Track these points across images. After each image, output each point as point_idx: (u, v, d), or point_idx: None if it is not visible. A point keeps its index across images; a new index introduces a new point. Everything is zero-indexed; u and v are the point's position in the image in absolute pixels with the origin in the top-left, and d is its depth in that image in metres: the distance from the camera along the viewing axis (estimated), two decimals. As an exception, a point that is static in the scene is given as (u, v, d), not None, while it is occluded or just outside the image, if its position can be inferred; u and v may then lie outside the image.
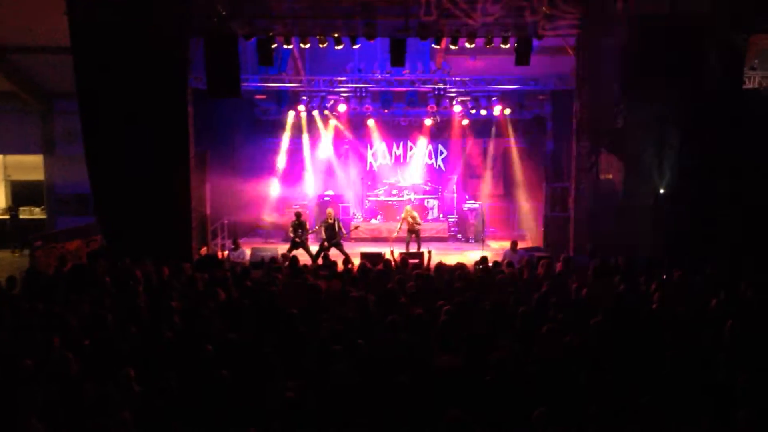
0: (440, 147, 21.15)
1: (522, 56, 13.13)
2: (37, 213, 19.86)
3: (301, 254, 13.31)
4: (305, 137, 20.18)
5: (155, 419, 5.27)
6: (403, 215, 15.95)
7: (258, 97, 18.96)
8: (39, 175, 19.25)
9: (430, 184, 20.56)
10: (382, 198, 19.86)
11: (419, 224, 15.73)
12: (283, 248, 14.45)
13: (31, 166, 19.67)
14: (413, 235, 15.25)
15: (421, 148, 20.87)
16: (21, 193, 20.50)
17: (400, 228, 15.66)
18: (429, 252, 13.10)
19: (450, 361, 6.17)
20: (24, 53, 16.57)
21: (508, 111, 18.57)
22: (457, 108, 18.30)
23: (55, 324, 7.14)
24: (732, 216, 11.82)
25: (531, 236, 18.29)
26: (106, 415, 5.08)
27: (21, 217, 19.62)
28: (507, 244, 14.02)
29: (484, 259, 11.16)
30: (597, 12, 12.51)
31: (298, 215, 14.52)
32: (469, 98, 18.33)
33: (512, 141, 20.58)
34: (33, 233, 14.17)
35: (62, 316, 7.42)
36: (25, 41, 15.70)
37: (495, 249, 16.97)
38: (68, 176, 17.69)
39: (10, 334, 7.15)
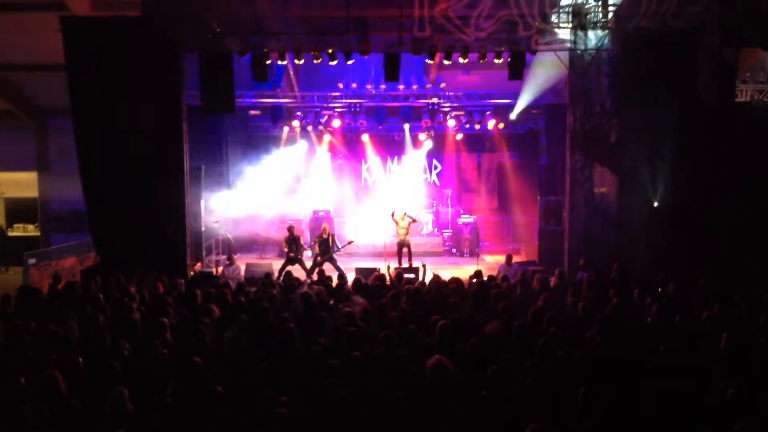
0: (434, 161, 21.20)
1: (515, 71, 13.21)
2: (31, 230, 19.80)
3: (296, 270, 13.28)
4: (300, 153, 20.20)
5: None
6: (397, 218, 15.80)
7: (252, 112, 19.02)
8: (33, 193, 19.22)
9: (424, 198, 20.57)
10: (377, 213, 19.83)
11: (414, 220, 15.60)
12: (278, 263, 14.42)
13: (25, 183, 19.64)
14: (405, 249, 15.19)
15: (415, 163, 20.90)
16: (15, 211, 20.44)
17: (398, 232, 15.50)
18: (424, 266, 13.10)
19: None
20: (18, 71, 16.61)
21: (502, 125, 18.65)
22: (451, 123, 18.37)
23: (49, 342, 7.10)
24: (726, 229, 11.85)
25: (526, 250, 18.30)
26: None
27: (10, 234, 19.57)
28: (502, 258, 14.04)
29: (478, 273, 11.15)
30: (589, 27, 12.59)
31: (290, 230, 14.50)
32: (462, 113, 18.41)
33: (506, 155, 20.69)
34: (27, 251, 14.10)
35: (56, 333, 7.37)
36: (18, 59, 15.73)
37: (490, 263, 16.99)
38: (62, 193, 17.64)
39: (3, 351, 7.11)
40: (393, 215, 15.52)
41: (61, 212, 18.51)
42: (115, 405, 5.49)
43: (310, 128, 19.09)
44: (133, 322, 7.97)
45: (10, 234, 19.78)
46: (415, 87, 17.82)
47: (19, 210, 20.36)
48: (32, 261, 13.13)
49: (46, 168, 18.93)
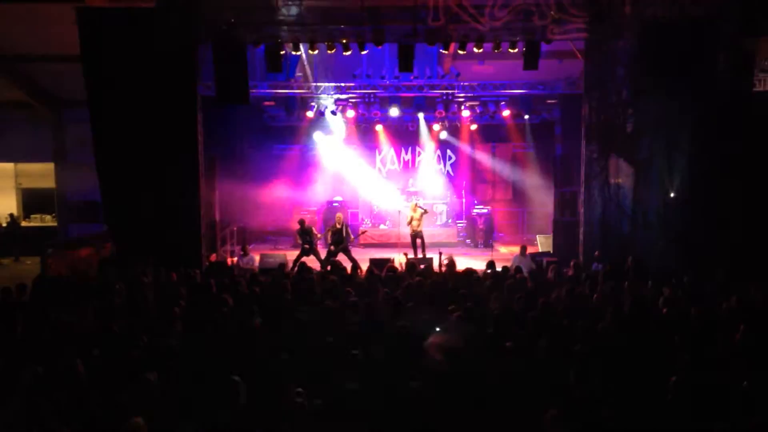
0: (449, 152, 21.15)
1: (530, 60, 13.11)
2: (48, 220, 19.98)
3: (311, 261, 13.31)
4: (314, 143, 20.24)
5: (166, 426, 5.26)
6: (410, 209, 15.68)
7: (266, 103, 19.02)
8: (50, 183, 19.36)
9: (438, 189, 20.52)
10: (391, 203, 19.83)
11: (425, 211, 15.48)
12: (292, 254, 14.47)
13: (42, 174, 19.79)
14: (418, 240, 15.15)
15: (429, 153, 20.87)
16: (32, 201, 20.63)
17: (410, 221, 15.38)
18: (440, 254, 13.00)
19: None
20: (35, 62, 16.69)
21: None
22: (466, 113, 18.28)
23: (66, 331, 7.17)
24: (743, 220, 11.73)
25: (540, 241, 18.23)
26: (118, 421, 5.08)
27: (27, 224, 19.74)
28: (516, 249, 13.99)
29: (491, 264, 11.13)
30: (605, 15, 12.48)
31: (301, 223, 14.50)
32: (477, 103, 18.31)
33: (521, 146, 20.61)
34: (44, 241, 14.23)
35: (72, 323, 7.45)
36: (36, 50, 15.81)
37: (504, 254, 16.94)
38: (79, 184, 17.77)
39: (21, 341, 7.19)
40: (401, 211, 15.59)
41: (78, 203, 18.63)
42: (142, 391, 5.52)
43: (324, 118, 19.09)
44: (149, 312, 8.04)
45: (28, 224, 19.96)
46: (429, 77, 17.73)
47: (36, 200, 20.54)
48: (50, 251, 13.24)
49: (63, 159, 19.06)
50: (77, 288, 9.65)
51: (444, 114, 18.24)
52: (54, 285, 9.93)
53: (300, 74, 17.60)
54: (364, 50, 13.22)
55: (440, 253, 13.03)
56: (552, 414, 4.91)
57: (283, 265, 12.10)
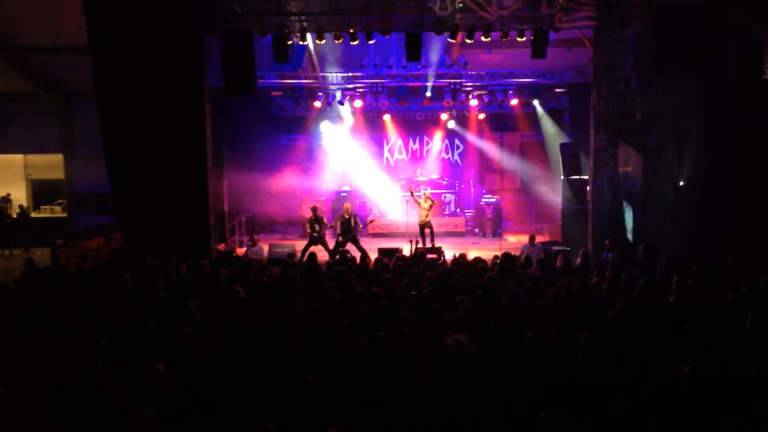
0: (457, 141, 21.12)
1: (538, 49, 13.06)
2: (58, 211, 20.08)
3: (319, 250, 13.33)
4: (321, 133, 20.24)
5: (176, 415, 5.30)
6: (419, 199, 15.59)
7: (274, 93, 19.03)
8: (59, 174, 19.44)
9: (446, 178, 20.50)
10: (399, 193, 19.82)
11: (434, 202, 15.38)
12: (300, 244, 14.50)
13: (51, 165, 19.88)
14: (427, 230, 15.11)
15: (437, 142, 20.84)
16: (42, 192, 20.73)
17: (419, 213, 15.30)
18: (441, 249, 13.08)
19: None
20: (43, 53, 16.72)
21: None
22: (474, 102, 18.25)
23: (76, 322, 7.21)
24: (752, 208, 11.68)
25: (549, 230, 18.21)
26: (128, 411, 5.12)
27: (37, 215, 19.84)
28: (525, 238, 13.98)
29: (504, 254, 11.11)
30: (614, 3, 12.39)
31: (314, 210, 14.52)
32: (485, 92, 18.27)
33: (529, 134, 20.57)
34: (55, 231, 14.29)
35: (83, 313, 7.48)
36: (44, 42, 15.83)
37: (512, 243, 16.93)
38: (88, 175, 17.84)
39: (32, 331, 7.23)
40: (412, 194, 15.45)
41: (87, 194, 18.72)
42: (150, 382, 5.56)
43: (331, 108, 19.09)
44: (159, 302, 8.07)
45: (38, 215, 20.07)
46: (437, 66, 17.69)
47: (45, 191, 20.64)
48: (59, 242, 13.32)
49: (71, 150, 19.13)
50: (88, 279, 9.70)
51: (452, 103, 18.22)
52: (65, 275, 9.97)
53: (307, 64, 17.60)
54: (371, 40, 13.18)
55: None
56: (544, 417, 4.87)
57: (291, 255, 12.13)
